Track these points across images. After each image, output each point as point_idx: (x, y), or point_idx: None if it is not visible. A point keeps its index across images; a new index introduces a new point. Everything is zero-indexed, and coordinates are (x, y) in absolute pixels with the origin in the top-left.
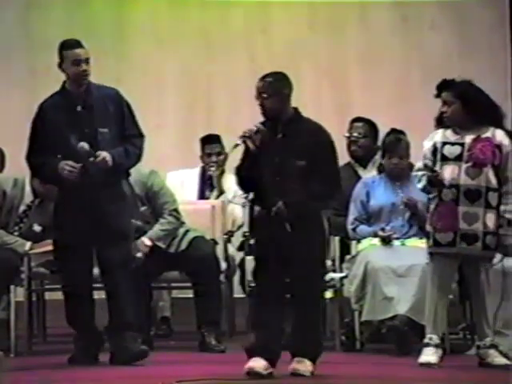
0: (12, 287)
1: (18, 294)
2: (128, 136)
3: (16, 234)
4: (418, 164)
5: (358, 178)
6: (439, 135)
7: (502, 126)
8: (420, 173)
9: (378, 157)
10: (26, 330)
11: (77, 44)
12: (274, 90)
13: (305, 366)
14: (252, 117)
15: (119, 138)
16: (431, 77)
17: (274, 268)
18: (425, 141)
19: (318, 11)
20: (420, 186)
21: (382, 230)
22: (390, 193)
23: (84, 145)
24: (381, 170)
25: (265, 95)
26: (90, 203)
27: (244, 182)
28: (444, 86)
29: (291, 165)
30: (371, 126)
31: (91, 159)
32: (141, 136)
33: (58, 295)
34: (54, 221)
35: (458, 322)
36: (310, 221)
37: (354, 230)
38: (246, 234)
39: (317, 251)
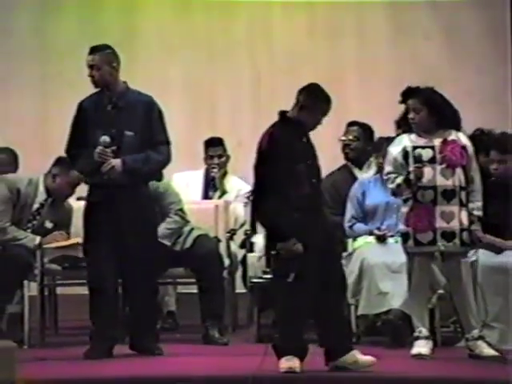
0: (25, 282)
1: (31, 288)
2: (155, 142)
3: (29, 230)
4: (388, 168)
5: (355, 178)
6: (406, 140)
7: (460, 129)
8: (393, 175)
9: (372, 158)
10: (39, 323)
11: (91, 50)
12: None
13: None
14: (253, 120)
15: (146, 142)
16: (423, 83)
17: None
18: (390, 147)
19: (317, 20)
20: (393, 186)
21: (378, 229)
22: (385, 192)
23: (106, 138)
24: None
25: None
26: (115, 202)
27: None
28: (409, 94)
29: (320, 172)
30: (366, 130)
31: (104, 165)
32: (167, 143)
33: (69, 290)
34: (85, 217)
35: (448, 315)
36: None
37: (350, 227)
38: (248, 231)
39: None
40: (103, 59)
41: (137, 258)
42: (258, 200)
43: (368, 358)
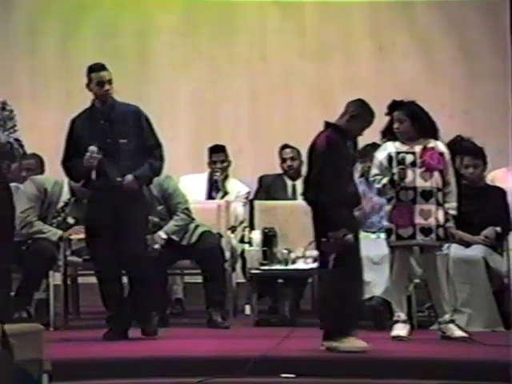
0: (51, 272)
1: (55, 278)
2: (148, 147)
3: (54, 225)
4: (374, 171)
5: None
6: (391, 147)
7: (438, 138)
8: (379, 177)
9: (358, 163)
10: (63, 309)
11: (101, 67)
12: None
13: None
14: (251, 130)
15: (139, 148)
16: (402, 97)
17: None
18: (377, 153)
19: (308, 41)
20: (379, 186)
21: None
22: (369, 193)
23: (93, 148)
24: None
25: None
26: (112, 202)
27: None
28: (394, 106)
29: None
30: None
31: (118, 179)
32: (159, 146)
33: (89, 279)
34: (86, 215)
35: (423, 302)
36: None
37: None
38: (246, 228)
39: None
40: (111, 75)
41: (132, 247)
42: (314, 193)
43: (362, 343)
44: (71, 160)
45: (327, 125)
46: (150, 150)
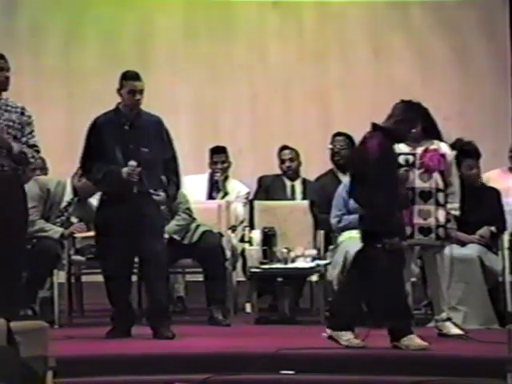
0: (55, 271)
1: (59, 276)
2: (166, 160)
3: (58, 224)
4: None
5: (339, 181)
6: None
7: (441, 140)
8: None
9: None
10: (67, 306)
11: (136, 76)
12: None
13: None
14: (251, 131)
15: (158, 158)
16: (398, 99)
17: None
18: None
19: (306, 45)
20: None
21: None
22: None
23: (133, 163)
24: None
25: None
26: (130, 205)
27: None
28: None
29: None
30: (349, 139)
31: (152, 191)
32: (175, 160)
33: (93, 278)
34: (97, 215)
35: (420, 300)
36: None
37: (339, 221)
38: (246, 227)
39: None
40: (144, 85)
41: (152, 249)
42: (369, 199)
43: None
44: (92, 161)
45: (374, 127)
46: (166, 164)
